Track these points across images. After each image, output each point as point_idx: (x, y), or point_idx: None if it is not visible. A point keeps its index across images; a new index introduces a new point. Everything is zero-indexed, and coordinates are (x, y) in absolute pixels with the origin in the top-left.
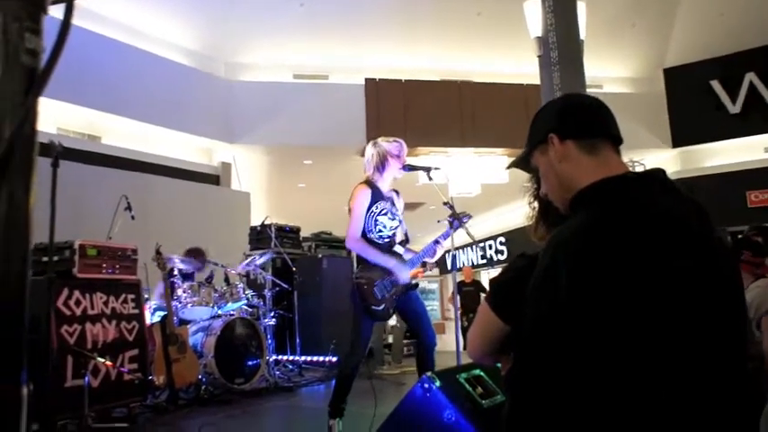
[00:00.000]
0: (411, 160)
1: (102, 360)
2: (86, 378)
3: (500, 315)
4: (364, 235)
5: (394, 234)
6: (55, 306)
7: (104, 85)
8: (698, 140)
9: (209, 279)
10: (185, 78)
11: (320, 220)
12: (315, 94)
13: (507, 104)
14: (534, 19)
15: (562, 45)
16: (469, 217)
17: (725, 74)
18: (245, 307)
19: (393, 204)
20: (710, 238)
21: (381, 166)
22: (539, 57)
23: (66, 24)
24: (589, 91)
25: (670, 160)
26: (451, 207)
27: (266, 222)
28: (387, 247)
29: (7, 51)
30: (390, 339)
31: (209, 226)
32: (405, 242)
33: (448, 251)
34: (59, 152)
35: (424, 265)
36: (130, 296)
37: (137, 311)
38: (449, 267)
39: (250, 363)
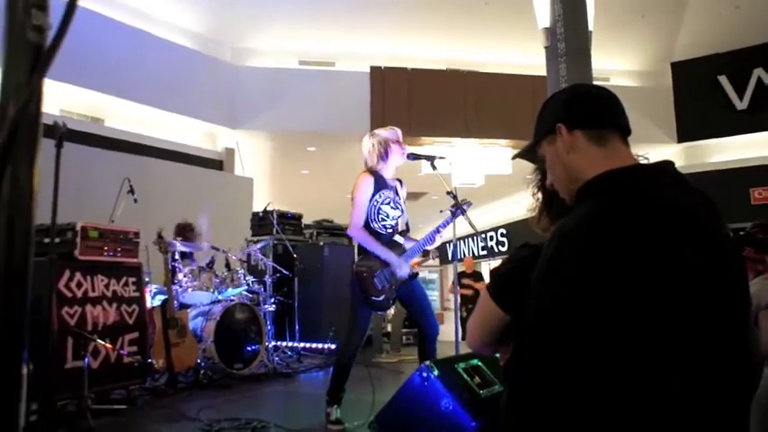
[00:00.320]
0: (414, 149)
1: (102, 342)
2: (86, 360)
3: (501, 305)
4: (367, 225)
5: (397, 223)
6: (56, 287)
7: (108, 67)
8: (703, 136)
9: (210, 264)
10: (190, 62)
11: (322, 207)
12: (320, 80)
13: (513, 95)
14: (542, 9)
15: (570, 36)
16: (469, 204)
17: (733, 69)
18: (246, 293)
19: (396, 193)
20: (719, 231)
21: (385, 153)
22: (546, 48)
23: None
24: (596, 83)
25: (674, 155)
26: (454, 197)
27: (268, 208)
28: (389, 237)
29: (13, 28)
30: (389, 328)
31: (211, 211)
32: (405, 232)
33: (449, 241)
34: (63, 133)
35: (426, 253)
36: (131, 279)
37: (137, 294)
38: (449, 258)
39: (249, 348)
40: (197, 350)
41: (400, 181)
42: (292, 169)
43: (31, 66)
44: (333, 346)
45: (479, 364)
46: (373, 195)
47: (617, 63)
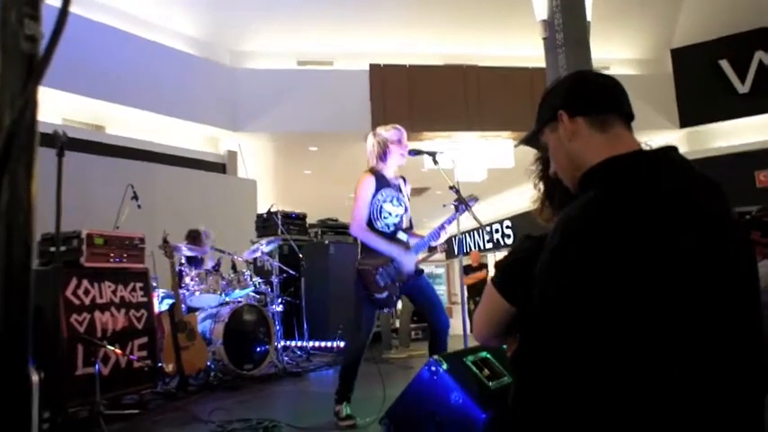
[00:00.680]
0: (416, 145)
1: (112, 348)
2: (97, 366)
3: (506, 296)
4: (370, 224)
5: (400, 220)
6: (64, 295)
7: (108, 75)
8: (706, 120)
9: (217, 267)
10: (189, 67)
11: (326, 206)
12: (319, 80)
13: (513, 88)
14: (540, 1)
15: (568, 27)
16: (476, 200)
17: (734, 53)
18: (253, 294)
19: (400, 191)
20: (723, 215)
21: (383, 154)
22: (544, 39)
23: (64, 7)
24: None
25: (677, 141)
26: (457, 191)
27: (272, 209)
28: (392, 235)
29: (6, 38)
30: (398, 324)
31: (215, 214)
32: (409, 229)
33: (454, 236)
34: (64, 142)
35: (431, 249)
36: (138, 284)
37: (145, 299)
38: (455, 252)
39: (259, 349)
40: (206, 353)
41: (404, 178)
42: (295, 170)
43: (25, 75)
44: (341, 344)
45: (488, 356)
46: (375, 194)
47: (616, 52)
